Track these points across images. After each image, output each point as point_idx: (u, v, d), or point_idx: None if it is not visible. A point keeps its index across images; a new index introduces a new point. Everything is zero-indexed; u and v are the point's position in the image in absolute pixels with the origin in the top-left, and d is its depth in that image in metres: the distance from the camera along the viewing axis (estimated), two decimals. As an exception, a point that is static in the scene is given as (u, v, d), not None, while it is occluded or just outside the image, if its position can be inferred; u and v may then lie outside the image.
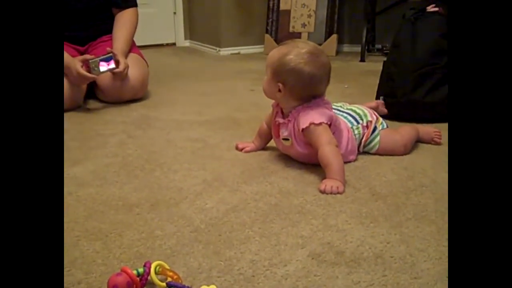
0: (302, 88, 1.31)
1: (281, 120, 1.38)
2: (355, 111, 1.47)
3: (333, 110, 1.38)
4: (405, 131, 1.51)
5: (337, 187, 1.22)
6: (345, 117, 1.44)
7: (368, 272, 0.91)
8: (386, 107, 1.82)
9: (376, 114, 1.50)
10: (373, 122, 1.45)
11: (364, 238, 1.02)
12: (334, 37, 3.31)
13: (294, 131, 1.34)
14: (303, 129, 1.30)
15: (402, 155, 1.46)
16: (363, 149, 1.46)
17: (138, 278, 0.85)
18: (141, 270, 0.87)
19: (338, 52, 3.37)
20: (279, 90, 1.32)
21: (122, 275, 0.84)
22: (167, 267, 0.89)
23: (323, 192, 1.22)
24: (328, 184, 1.23)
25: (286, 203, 1.18)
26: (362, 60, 3.08)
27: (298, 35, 3.38)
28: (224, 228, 1.06)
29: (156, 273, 0.86)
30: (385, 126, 1.49)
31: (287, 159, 1.43)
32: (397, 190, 1.24)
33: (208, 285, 0.85)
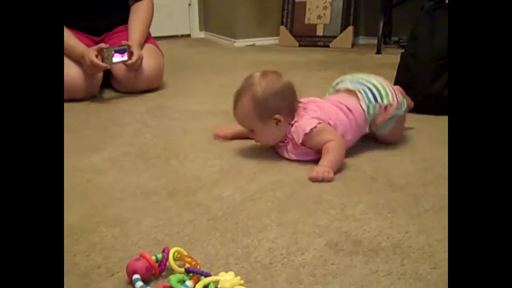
0: (290, 100, 1.33)
1: (280, 145, 1.38)
2: (377, 88, 1.38)
3: (354, 84, 1.39)
4: (402, 126, 1.49)
5: (325, 173, 1.22)
6: (365, 93, 1.37)
7: (386, 262, 0.90)
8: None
9: (398, 96, 1.40)
10: (394, 106, 1.37)
11: (382, 228, 1.02)
12: (350, 29, 3.29)
13: (296, 149, 1.34)
14: (301, 143, 1.31)
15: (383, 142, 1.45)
16: (375, 130, 1.42)
17: (156, 264, 0.85)
18: (159, 256, 0.87)
19: (353, 45, 3.35)
20: (277, 124, 1.31)
21: (141, 260, 0.84)
22: (185, 253, 0.89)
23: (311, 178, 1.22)
24: (315, 169, 1.24)
25: (303, 193, 1.17)
26: (378, 52, 3.06)
27: (313, 27, 3.36)
28: (241, 216, 1.07)
29: (174, 259, 0.87)
30: (402, 112, 1.42)
31: (304, 150, 1.42)
32: (415, 181, 1.23)
33: (226, 272, 0.85)
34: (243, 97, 1.32)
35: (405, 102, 1.44)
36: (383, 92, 1.37)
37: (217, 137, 1.53)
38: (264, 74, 1.33)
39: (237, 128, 1.44)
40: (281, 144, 1.37)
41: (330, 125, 1.33)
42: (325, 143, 1.29)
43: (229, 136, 1.51)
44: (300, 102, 1.36)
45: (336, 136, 1.31)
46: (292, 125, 1.33)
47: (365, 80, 1.41)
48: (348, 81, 1.43)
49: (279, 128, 1.32)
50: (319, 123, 1.31)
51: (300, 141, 1.31)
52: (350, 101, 1.38)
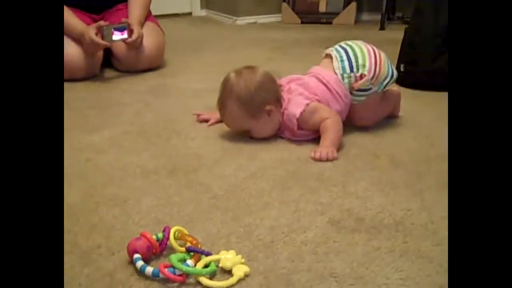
0: (273, 88, 1.31)
1: (278, 132, 1.36)
2: (355, 55, 1.34)
3: (335, 49, 1.37)
4: (385, 106, 1.44)
5: (329, 153, 1.21)
6: (341, 61, 1.33)
7: (389, 239, 0.89)
8: (407, 75, 1.79)
9: (378, 70, 1.34)
10: (368, 76, 1.32)
11: (385, 205, 1.01)
12: (353, 5, 3.24)
13: (295, 133, 1.33)
14: (297, 126, 1.30)
15: (360, 125, 1.41)
16: (352, 100, 1.37)
17: (157, 243, 0.85)
18: (160, 235, 0.87)
19: (357, 21, 3.30)
20: (269, 114, 1.30)
21: (142, 239, 0.84)
22: (186, 232, 0.89)
23: (315, 159, 1.21)
24: (318, 150, 1.22)
25: (304, 171, 1.16)
26: (382, 28, 3.02)
27: (316, 4, 3.31)
28: (243, 194, 1.06)
29: (175, 238, 0.86)
30: (382, 88, 1.36)
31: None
32: (418, 158, 1.22)
33: (227, 251, 0.85)
34: (228, 102, 1.30)
35: (388, 79, 1.37)
36: (360, 61, 1.33)
37: (199, 120, 1.49)
38: (238, 73, 1.30)
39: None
40: (278, 132, 1.36)
41: (318, 100, 1.31)
42: (321, 122, 1.28)
43: (212, 123, 1.46)
44: (281, 85, 1.34)
45: (331, 113, 1.29)
46: (282, 113, 1.31)
47: (349, 46, 1.37)
48: (333, 47, 1.40)
49: (272, 118, 1.31)
50: (307, 104, 1.29)
51: (296, 127, 1.30)
52: (326, 71, 1.35)
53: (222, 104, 1.32)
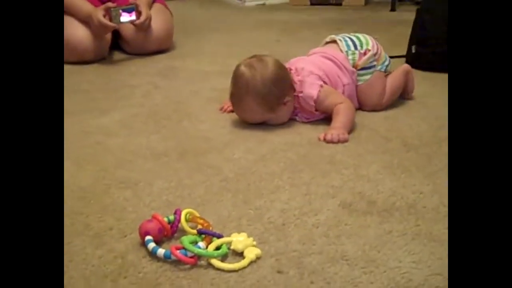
0: (287, 77, 1.30)
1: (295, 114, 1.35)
2: (358, 38, 1.40)
3: (336, 36, 1.41)
4: (391, 87, 1.42)
5: (340, 134, 1.20)
6: (345, 41, 1.39)
7: (401, 222, 0.89)
8: (418, 57, 1.77)
9: (380, 50, 1.41)
10: (372, 51, 1.37)
11: (396, 188, 1.00)
12: (363, -14, 3.19)
13: (308, 114, 1.32)
14: (314, 108, 1.30)
15: (370, 108, 1.40)
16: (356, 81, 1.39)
17: (169, 225, 0.85)
18: (171, 217, 0.87)
19: (367, 2, 3.26)
20: (286, 104, 1.28)
21: (153, 221, 0.84)
22: (197, 215, 0.89)
23: (325, 140, 1.20)
24: (329, 132, 1.22)
25: (315, 153, 1.16)
26: (393, 9, 2.97)
27: (325, -15, 3.27)
28: (253, 177, 1.06)
29: (186, 220, 0.86)
30: (384, 69, 1.41)
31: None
32: (428, 140, 1.21)
33: (238, 233, 0.85)
34: (245, 98, 1.26)
35: (387, 63, 1.42)
36: (363, 40, 1.40)
37: (224, 110, 1.43)
38: (250, 66, 1.27)
39: None
40: (292, 114, 1.35)
41: (327, 76, 1.32)
42: (334, 106, 1.28)
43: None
44: (290, 69, 1.33)
45: (344, 98, 1.31)
46: (297, 96, 1.30)
47: (348, 34, 1.44)
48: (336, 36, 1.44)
49: (288, 107, 1.30)
50: (321, 85, 1.29)
51: (314, 108, 1.30)
52: (331, 49, 1.39)
53: (238, 100, 1.29)
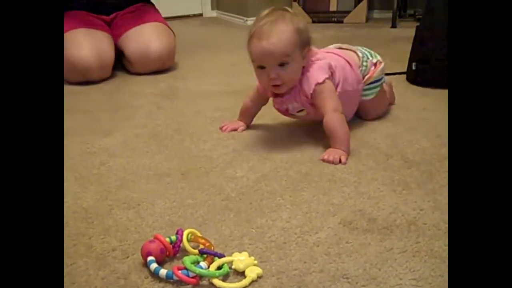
0: (308, 34, 1.26)
1: (285, 98, 1.31)
2: (367, 50, 1.44)
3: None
4: (387, 99, 1.53)
5: (340, 157, 1.20)
6: (360, 50, 1.42)
7: (401, 239, 0.89)
8: (419, 74, 1.80)
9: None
10: (383, 64, 1.42)
11: (397, 205, 1.01)
12: (364, 3, 3.22)
13: (303, 100, 1.29)
14: (311, 94, 1.26)
15: (372, 118, 1.47)
16: (362, 95, 1.41)
17: (171, 245, 0.86)
18: (173, 237, 0.87)
19: (368, 19, 3.29)
20: (304, 58, 1.24)
21: (156, 242, 0.85)
22: (199, 234, 0.89)
23: (325, 161, 1.21)
24: (331, 154, 1.21)
25: (316, 171, 1.16)
26: (394, 26, 3.00)
27: (326, 2, 3.31)
28: (255, 196, 1.06)
29: (188, 240, 0.87)
30: (385, 80, 1.49)
31: (317, 128, 1.40)
32: (430, 157, 1.21)
33: (240, 252, 0.85)
34: (281, 25, 1.20)
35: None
36: (373, 53, 1.44)
37: (226, 130, 1.43)
38: (269, 13, 1.26)
39: (244, 122, 1.44)
40: (280, 103, 1.32)
41: (336, 70, 1.30)
42: (327, 109, 1.24)
43: (241, 131, 1.43)
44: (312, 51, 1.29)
45: (337, 105, 1.25)
46: (302, 73, 1.26)
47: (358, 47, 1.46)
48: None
49: (300, 66, 1.24)
50: (327, 78, 1.26)
51: (311, 91, 1.25)
52: (347, 52, 1.41)
53: (271, 26, 1.20)
